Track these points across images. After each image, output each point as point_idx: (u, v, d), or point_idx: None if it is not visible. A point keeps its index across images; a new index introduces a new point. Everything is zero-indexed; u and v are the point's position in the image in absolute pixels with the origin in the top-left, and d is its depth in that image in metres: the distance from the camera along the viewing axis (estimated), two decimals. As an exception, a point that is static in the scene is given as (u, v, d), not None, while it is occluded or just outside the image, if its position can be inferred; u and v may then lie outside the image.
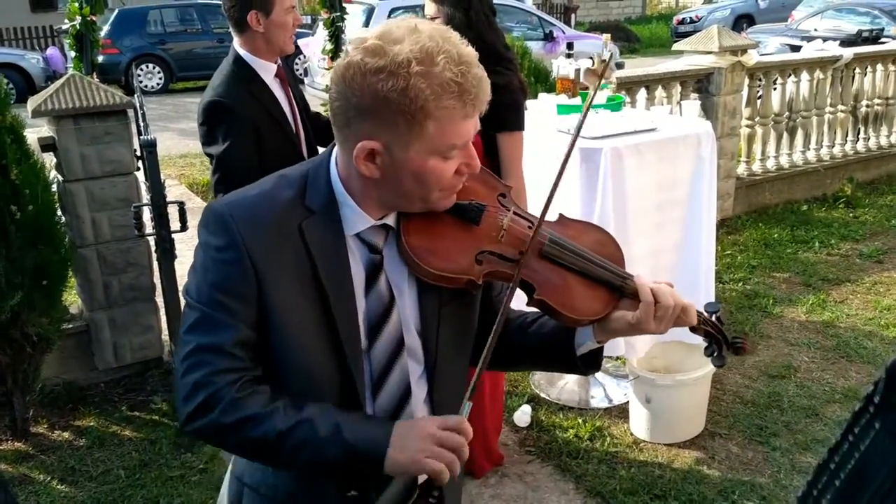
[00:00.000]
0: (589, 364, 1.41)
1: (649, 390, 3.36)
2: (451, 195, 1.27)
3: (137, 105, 3.75)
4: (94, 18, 5.44)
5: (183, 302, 1.28)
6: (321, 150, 3.42)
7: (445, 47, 1.14)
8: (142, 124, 3.38)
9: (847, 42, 9.33)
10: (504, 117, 2.76)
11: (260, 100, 2.67)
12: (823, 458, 0.74)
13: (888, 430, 0.68)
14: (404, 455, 1.19)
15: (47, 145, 3.70)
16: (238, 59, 2.68)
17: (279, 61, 2.78)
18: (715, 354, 1.43)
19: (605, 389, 3.79)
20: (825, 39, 9.37)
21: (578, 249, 1.35)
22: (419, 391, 1.35)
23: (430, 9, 2.84)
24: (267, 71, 2.72)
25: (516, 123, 2.83)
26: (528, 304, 1.35)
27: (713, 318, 1.42)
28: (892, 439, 0.67)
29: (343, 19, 5.99)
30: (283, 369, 1.25)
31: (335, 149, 1.29)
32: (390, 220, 1.29)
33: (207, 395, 1.19)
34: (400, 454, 1.19)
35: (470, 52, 1.18)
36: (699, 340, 1.45)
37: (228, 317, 1.21)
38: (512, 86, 2.78)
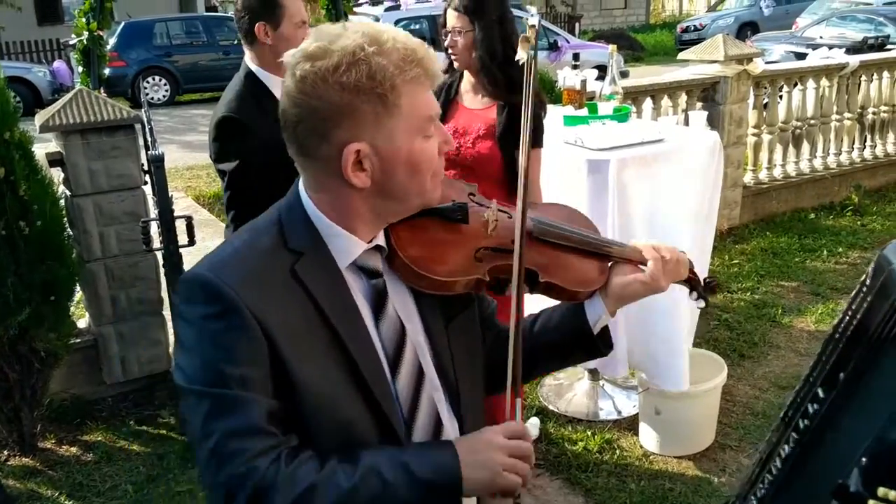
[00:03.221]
0: (605, 342, 1.42)
1: (659, 402, 3.34)
2: (439, 182, 1.23)
3: (145, 119, 3.76)
4: (101, 33, 5.49)
5: (182, 393, 1.11)
6: None
7: (379, 27, 1.15)
8: (149, 139, 3.39)
9: (853, 49, 9.31)
10: (531, 133, 2.74)
11: (271, 115, 2.66)
12: (830, 333, 0.96)
13: (874, 300, 0.89)
14: (481, 473, 1.13)
15: (55, 160, 3.72)
16: (249, 75, 2.66)
17: None
18: (697, 297, 1.55)
19: (613, 402, 3.77)
20: (831, 47, 9.37)
21: (562, 227, 1.41)
22: (450, 422, 1.28)
23: (459, 21, 2.80)
24: (278, 86, 2.65)
25: (537, 140, 2.80)
26: (532, 292, 1.36)
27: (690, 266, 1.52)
28: (876, 306, 0.89)
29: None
30: (316, 428, 1.13)
31: (301, 184, 1.22)
32: (380, 241, 1.24)
33: (255, 483, 1.04)
34: (476, 473, 1.13)
35: (402, 30, 1.18)
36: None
37: (245, 390, 1.07)
38: (538, 107, 2.75)
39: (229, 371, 1.07)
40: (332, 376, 1.14)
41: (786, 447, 1.01)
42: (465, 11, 2.79)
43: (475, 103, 2.88)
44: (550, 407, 3.76)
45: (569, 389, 3.85)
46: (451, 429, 1.28)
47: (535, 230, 1.36)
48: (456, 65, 2.87)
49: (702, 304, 1.57)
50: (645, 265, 1.38)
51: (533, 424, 3.53)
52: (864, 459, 0.87)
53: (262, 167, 2.58)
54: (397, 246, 1.24)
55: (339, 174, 1.14)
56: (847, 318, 0.93)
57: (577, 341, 1.42)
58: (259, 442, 1.06)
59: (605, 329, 1.42)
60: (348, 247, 1.20)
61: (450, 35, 2.82)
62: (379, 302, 1.22)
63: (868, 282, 0.91)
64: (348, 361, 1.15)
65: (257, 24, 2.58)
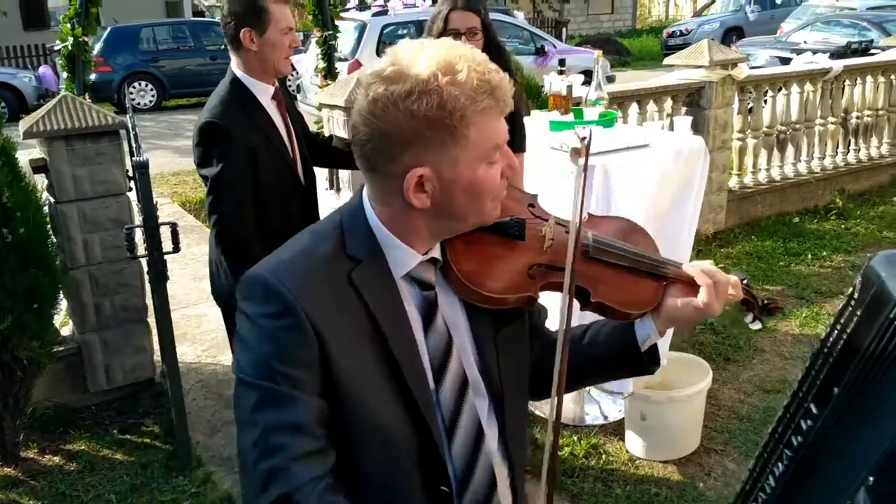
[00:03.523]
0: (652, 359, 1.41)
1: (644, 407, 3.35)
2: (499, 203, 1.25)
3: (130, 125, 3.74)
4: (86, 39, 5.45)
5: (235, 381, 1.17)
6: (318, 171, 3.36)
7: (459, 52, 1.14)
8: (134, 145, 3.37)
9: (836, 54, 9.39)
10: (517, 137, 2.71)
11: (256, 122, 2.63)
12: (816, 348, 0.95)
13: (865, 314, 0.87)
14: None
15: (39, 167, 3.69)
16: (234, 81, 2.65)
17: (276, 83, 2.74)
18: (752, 319, 1.50)
19: (600, 406, 3.78)
20: (815, 52, 9.44)
21: (619, 245, 1.38)
22: (491, 432, 1.30)
23: (473, 21, 2.78)
24: (264, 93, 2.68)
25: (522, 145, 2.80)
26: (582, 309, 1.35)
27: (746, 286, 1.46)
28: (867, 320, 0.87)
29: (335, 37, 6.00)
30: (355, 431, 1.17)
31: (365, 192, 1.25)
32: (435, 254, 1.26)
33: (286, 490, 1.08)
34: None
35: (480, 53, 1.17)
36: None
37: (295, 389, 1.11)
38: (519, 107, 2.76)
39: (280, 368, 1.12)
40: (376, 382, 1.17)
41: (779, 465, 0.99)
42: (476, 12, 2.78)
43: None
44: (537, 412, 3.75)
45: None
46: (491, 437, 1.30)
47: (591, 249, 1.34)
48: None
49: (757, 325, 1.52)
50: (698, 287, 1.36)
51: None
52: (871, 479, 0.84)
53: (244, 173, 2.58)
54: (452, 260, 1.25)
55: (400, 192, 1.16)
56: (836, 331, 0.92)
57: (625, 358, 1.41)
58: (301, 441, 1.10)
59: (654, 347, 1.41)
60: (404, 258, 1.22)
61: (464, 37, 2.80)
62: (429, 312, 1.25)
63: (857, 295, 0.90)
64: (393, 368, 1.18)
65: (243, 30, 2.57)
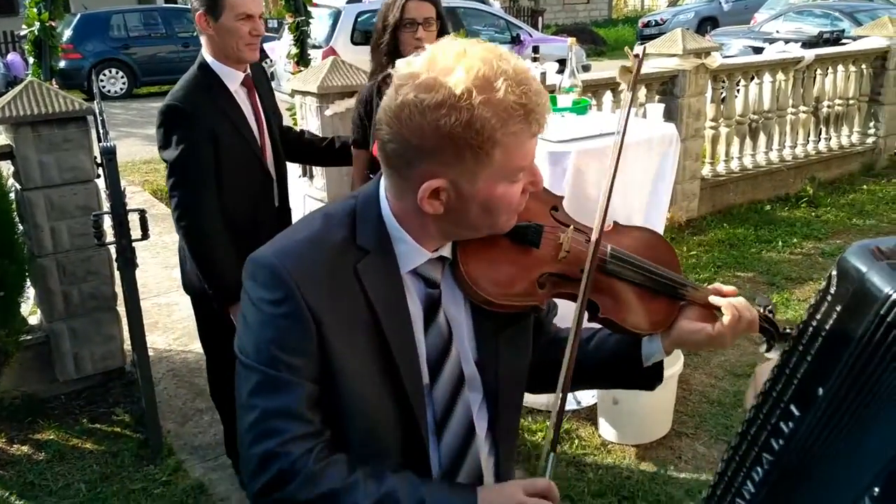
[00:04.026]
0: (655, 375, 1.39)
1: (616, 391, 3.37)
2: (515, 216, 1.22)
3: (97, 111, 3.68)
4: (53, 24, 5.36)
5: (238, 362, 1.18)
6: (290, 165, 3.30)
7: (502, 68, 1.08)
8: (101, 131, 3.32)
9: (808, 44, 9.48)
10: None
11: (221, 107, 2.60)
12: (789, 345, 0.88)
13: (847, 310, 0.82)
14: None
15: (4, 153, 3.62)
16: (202, 65, 2.62)
17: (248, 70, 2.70)
18: (767, 350, 1.44)
19: (573, 392, 3.79)
20: (787, 41, 9.53)
21: (638, 261, 1.33)
22: (480, 423, 1.29)
23: (431, 11, 2.76)
24: (231, 78, 2.64)
25: None
26: (590, 321, 1.32)
27: (767, 313, 1.41)
28: (850, 316, 0.81)
29: (308, 23, 5.94)
30: (345, 418, 1.18)
31: (382, 182, 1.22)
32: (446, 251, 1.24)
33: (282, 467, 1.11)
34: None
35: (524, 66, 1.12)
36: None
37: (293, 375, 1.13)
38: None
39: (280, 356, 1.13)
40: (370, 372, 1.17)
41: (759, 469, 0.93)
42: (433, 3, 2.76)
43: None
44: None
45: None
46: (481, 431, 1.29)
47: (608, 262, 1.30)
48: None
49: (773, 355, 1.42)
50: (717, 312, 1.32)
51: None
52: (876, 489, 0.80)
53: (205, 158, 2.54)
54: (461, 259, 1.23)
55: (415, 195, 1.14)
56: (812, 328, 0.86)
57: (627, 371, 1.39)
58: (297, 426, 1.12)
59: (658, 363, 1.39)
60: (413, 254, 1.21)
61: (420, 27, 2.78)
62: (431, 310, 1.24)
63: (833, 289, 0.85)
64: (388, 361, 1.18)
65: (198, 13, 2.55)
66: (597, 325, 1.40)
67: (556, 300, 1.45)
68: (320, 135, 3.65)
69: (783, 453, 0.90)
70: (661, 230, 3.61)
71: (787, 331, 1.42)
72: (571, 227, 1.30)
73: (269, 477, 1.11)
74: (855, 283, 0.82)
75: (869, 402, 0.82)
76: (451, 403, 1.25)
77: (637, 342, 1.37)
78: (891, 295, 0.78)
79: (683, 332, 1.33)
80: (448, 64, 1.08)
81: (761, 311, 1.38)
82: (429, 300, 1.23)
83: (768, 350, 1.43)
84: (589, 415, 3.60)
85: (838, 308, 0.84)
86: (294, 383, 1.13)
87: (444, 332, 1.24)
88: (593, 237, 1.26)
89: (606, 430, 3.46)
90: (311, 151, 3.12)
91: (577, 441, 3.43)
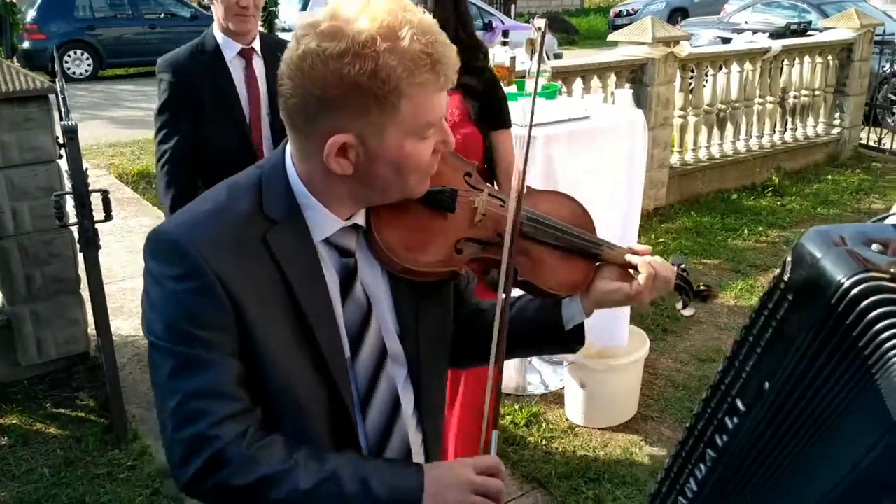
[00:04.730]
0: (577, 338, 1.38)
1: (583, 375, 3.40)
2: (427, 178, 1.18)
3: (59, 89, 3.61)
4: (14, 0, 5.24)
5: (148, 344, 1.11)
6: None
7: (407, 17, 1.05)
8: (63, 110, 3.25)
9: (776, 34, 9.58)
10: (503, 114, 2.61)
11: (209, 70, 2.76)
12: (740, 335, 0.81)
13: (799, 298, 0.75)
14: None
15: (-37, 132, 3.54)
16: (207, 33, 2.83)
17: (254, 45, 2.82)
18: (683, 307, 1.46)
19: (541, 375, 3.82)
20: (755, 32, 9.63)
21: (554, 223, 1.33)
22: (406, 399, 1.26)
23: None
24: (229, 48, 2.80)
25: (508, 121, 2.65)
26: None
27: (681, 272, 1.43)
28: (802, 305, 0.74)
29: (276, 3, 5.88)
30: (267, 393, 1.12)
31: (288, 148, 1.18)
32: (359, 219, 1.20)
33: (213, 451, 1.04)
34: None
35: (431, 20, 1.08)
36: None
37: (211, 352, 1.06)
38: (498, 83, 2.64)
39: (194, 332, 1.06)
40: (290, 346, 1.12)
41: (702, 466, 0.87)
42: None
43: None
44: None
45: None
46: (407, 407, 1.27)
47: (525, 226, 1.29)
48: None
49: (689, 311, 1.47)
50: (633, 271, 1.33)
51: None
52: (839, 492, 0.72)
53: (183, 112, 2.73)
54: (375, 227, 1.19)
55: (321, 155, 1.10)
56: (763, 318, 0.80)
57: (550, 336, 1.38)
58: (224, 405, 1.06)
59: (579, 326, 1.38)
60: (324, 222, 1.16)
61: None
62: (348, 280, 1.19)
63: (787, 276, 0.78)
64: (307, 334, 1.13)
65: None
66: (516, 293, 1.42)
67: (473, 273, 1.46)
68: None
69: (726, 450, 0.84)
70: (637, 215, 3.62)
71: (702, 289, 1.47)
72: (485, 191, 1.29)
73: (200, 462, 1.04)
74: (808, 270, 0.75)
75: (817, 404, 0.75)
76: (375, 378, 1.21)
77: (557, 306, 1.37)
78: (842, 283, 0.71)
79: (602, 292, 1.33)
80: (352, 13, 1.05)
81: (676, 269, 1.41)
82: (345, 270, 1.19)
83: (684, 307, 1.46)
84: (557, 398, 3.63)
85: (790, 297, 0.77)
86: (214, 360, 1.06)
87: (362, 303, 1.20)
88: (511, 196, 1.25)
89: (574, 414, 3.49)
90: None
91: (544, 424, 3.45)
